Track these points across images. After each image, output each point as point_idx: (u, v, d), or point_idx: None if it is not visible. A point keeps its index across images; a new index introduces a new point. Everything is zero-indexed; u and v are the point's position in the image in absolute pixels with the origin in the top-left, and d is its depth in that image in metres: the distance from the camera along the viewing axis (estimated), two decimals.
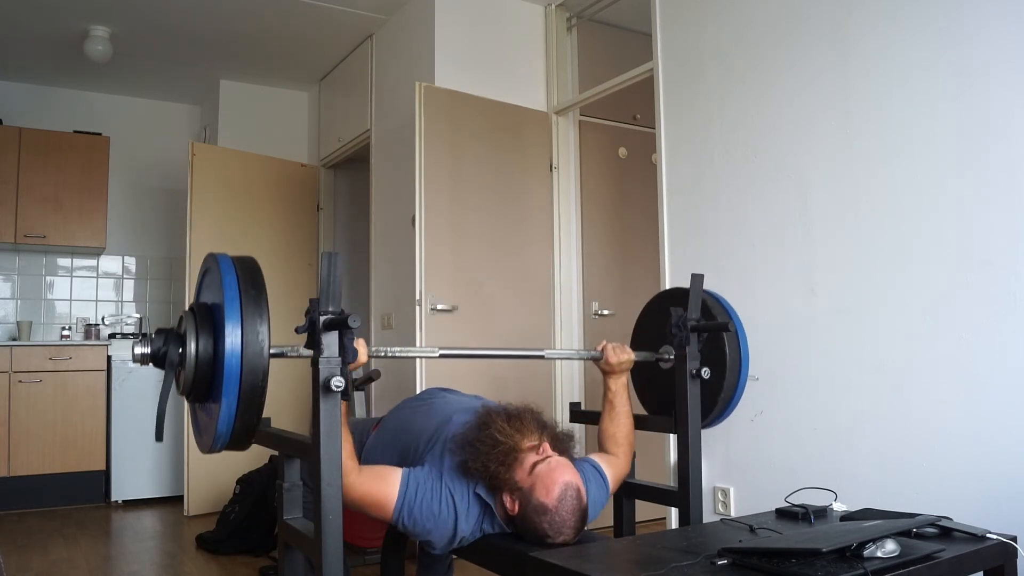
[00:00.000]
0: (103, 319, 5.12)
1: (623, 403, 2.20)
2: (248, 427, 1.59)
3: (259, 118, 5.15)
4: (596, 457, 2.10)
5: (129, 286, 5.36)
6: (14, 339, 4.79)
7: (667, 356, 2.27)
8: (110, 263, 5.31)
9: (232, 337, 1.53)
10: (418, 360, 3.37)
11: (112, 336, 4.94)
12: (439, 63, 3.68)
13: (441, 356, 2.03)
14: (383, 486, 1.82)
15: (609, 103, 3.85)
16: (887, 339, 2.24)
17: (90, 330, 4.97)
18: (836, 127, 2.40)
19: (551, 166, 3.88)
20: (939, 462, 2.10)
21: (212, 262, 1.69)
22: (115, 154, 5.06)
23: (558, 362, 3.80)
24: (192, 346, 1.58)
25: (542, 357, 2.08)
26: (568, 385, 3.81)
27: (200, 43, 4.49)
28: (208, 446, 1.65)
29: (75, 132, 4.95)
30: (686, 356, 2.20)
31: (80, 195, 4.87)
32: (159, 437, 1.65)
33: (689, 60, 2.96)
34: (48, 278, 5.13)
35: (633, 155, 4.09)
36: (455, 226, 3.54)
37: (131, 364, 4.67)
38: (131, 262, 5.37)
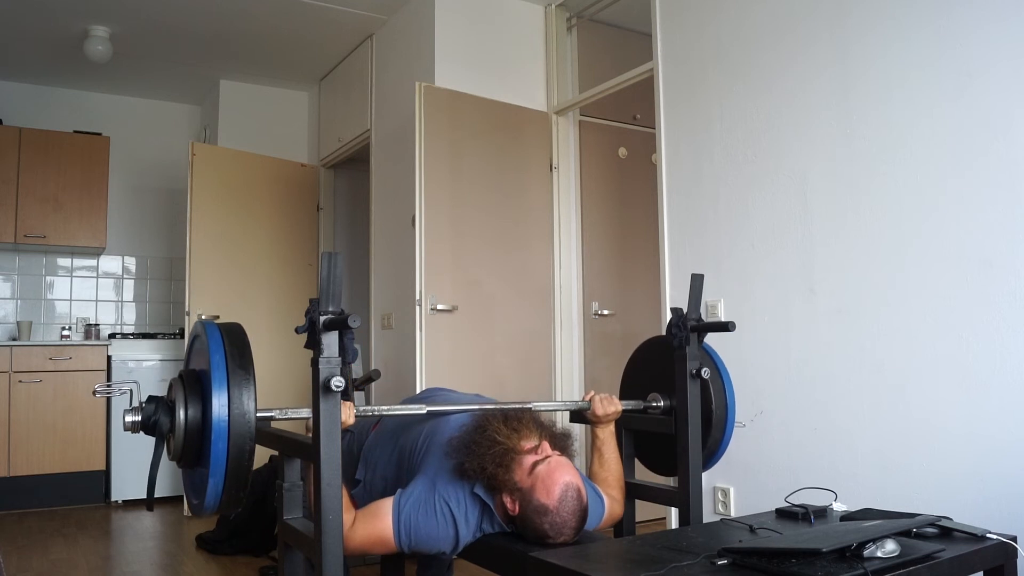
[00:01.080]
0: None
1: (611, 450, 2.20)
2: (235, 499, 1.65)
3: (259, 118, 5.15)
4: (597, 483, 2.10)
5: (129, 286, 5.37)
6: (14, 339, 4.79)
7: (655, 403, 2.25)
8: (110, 263, 5.31)
9: (219, 414, 1.58)
10: (418, 360, 3.37)
11: (112, 336, 4.94)
12: (439, 63, 3.68)
13: (428, 414, 2.01)
14: (376, 523, 1.82)
15: (609, 103, 3.85)
16: (887, 339, 2.24)
17: (90, 330, 4.98)
18: (836, 127, 2.40)
19: (551, 166, 3.88)
20: (939, 462, 2.10)
21: (199, 329, 1.75)
22: (115, 154, 5.07)
23: (558, 362, 3.80)
24: (181, 414, 1.64)
25: (530, 409, 2.09)
26: (568, 385, 3.81)
27: (200, 43, 4.49)
28: (199, 512, 1.72)
29: (75, 132, 4.95)
30: (686, 356, 2.20)
31: (80, 195, 4.87)
32: (150, 506, 1.73)
33: (689, 60, 2.96)
34: (48, 278, 5.13)
35: (633, 155, 4.09)
36: (455, 226, 3.54)
37: (131, 364, 4.68)
38: (131, 262, 5.38)
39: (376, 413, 1.97)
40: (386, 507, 1.84)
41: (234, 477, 1.61)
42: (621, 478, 2.19)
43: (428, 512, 1.82)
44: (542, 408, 2.15)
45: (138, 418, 1.69)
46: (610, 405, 2.19)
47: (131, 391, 1.85)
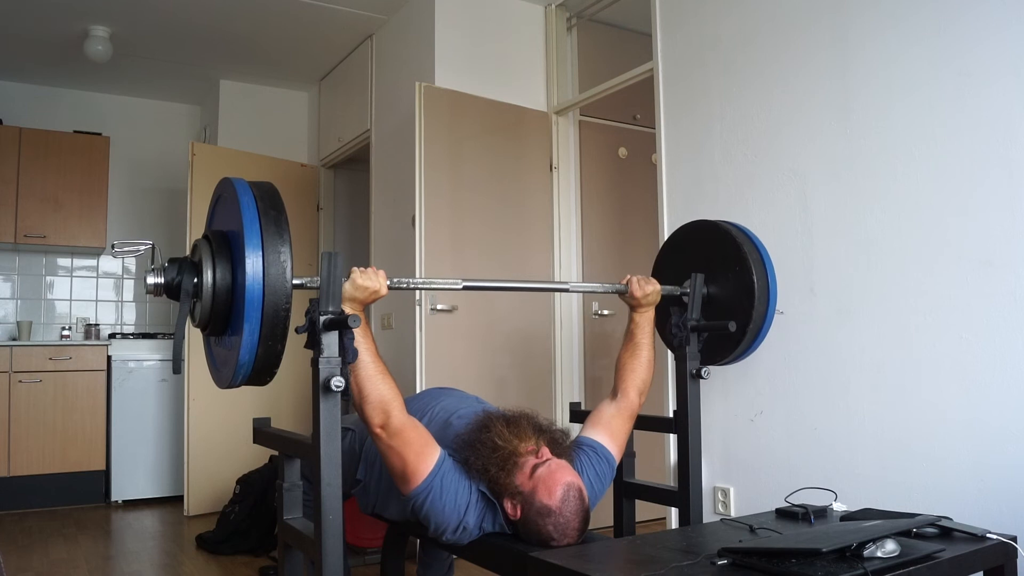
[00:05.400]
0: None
1: (644, 335, 2.16)
2: (272, 355, 1.52)
3: (259, 118, 5.15)
4: (589, 430, 2.05)
5: (129, 286, 5.37)
6: (14, 339, 4.79)
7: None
8: (110, 263, 5.31)
9: (253, 261, 1.45)
10: (418, 360, 3.37)
11: (112, 336, 4.94)
12: (439, 63, 3.68)
13: (464, 288, 1.94)
14: (424, 445, 1.77)
15: (609, 103, 3.85)
16: (887, 339, 2.24)
17: (90, 330, 4.98)
18: (836, 126, 2.40)
19: (551, 166, 3.88)
20: (939, 462, 2.10)
21: (227, 186, 1.59)
22: (115, 154, 5.07)
23: (558, 362, 3.79)
24: (208, 275, 1.51)
25: (567, 290, 2.06)
26: (568, 385, 3.81)
27: (200, 43, 4.49)
28: (228, 379, 1.58)
29: (75, 132, 4.95)
30: (686, 356, 2.20)
31: (80, 195, 4.88)
32: (177, 369, 1.58)
33: (689, 60, 2.96)
34: (48, 278, 5.13)
35: (633, 155, 4.09)
36: (455, 226, 3.54)
37: (131, 364, 4.67)
38: (131, 262, 5.37)
39: (411, 285, 1.88)
40: (435, 450, 1.80)
41: (271, 327, 1.49)
42: (643, 368, 2.14)
43: (459, 483, 1.80)
44: (579, 289, 2.03)
45: (160, 280, 1.57)
46: (648, 284, 2.15)
47: (152, 247, 1.72)
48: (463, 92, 3.62)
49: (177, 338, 1.57)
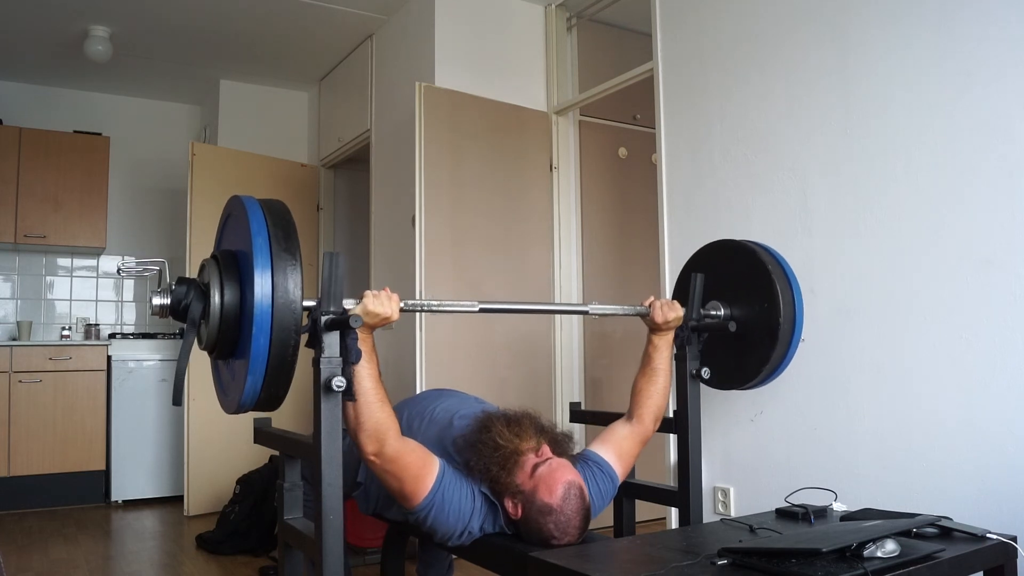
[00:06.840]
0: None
1: (663, 360, 2.14)
2: (275, 397, 1.49)
3: (259, 118, 5.15)
4: (598, 446, 2.05)
5: (129, 286, 5.36)
6: (14, 339, 4.79)
7: (713, 312, 2.20)
8: (110, 263, 5.31)
9: (262, 292, 1.41)
10: (418, 360, 3.37)
11: (112, 336, 4.94)
12: (439, 63, 3.68)
13: (481, 311, 1.92)
14: (421, 467, 1.76)
15: (609, 103, 3.85)
16: (887, 339, 2.24)
17: (90, 330, 4.98)
18: (837, 127, 2.40)
19: (551, 166, 3.88)
20: (939, 462, 2.10)
21: (236, 205, 1.55)
22: (115, 154, 5.07)
23: (558, 362, 3.79)
24: (216, 298, 1.48)
25: (587, 312, 2.05)
26: (568, 385, 3.81)
27: (200, 43, 4.49)
28: (232, 409, 1.56)
29: (75, 132, 4.95)
30: (686, 356, 2.20)
31: (80, 195, 4.88)
32: (177, 401, 1.55)
33: (689, 60, 2.96)
34: (48, 278, 5.13)
35: (633, 155, 4.09)
36: (455, 226, 3.54)
37: (131, 364, 4.67)
38: (131, 262, 5.37)
39: (425, 308, 1.86)
40: (434, 464, 1.79)
41: (276, 373, 1.46)
42: (659, 394, 2.12)
43: (462, 492, 1.80)
44: (600, 311, 2.04)
45: (167, 301, 1.53)
46: (671, 311, 2.11)
47: (160, 270, 1.70)
48: (463, 92, 3.62)
49: (179, 368, 1.54)
